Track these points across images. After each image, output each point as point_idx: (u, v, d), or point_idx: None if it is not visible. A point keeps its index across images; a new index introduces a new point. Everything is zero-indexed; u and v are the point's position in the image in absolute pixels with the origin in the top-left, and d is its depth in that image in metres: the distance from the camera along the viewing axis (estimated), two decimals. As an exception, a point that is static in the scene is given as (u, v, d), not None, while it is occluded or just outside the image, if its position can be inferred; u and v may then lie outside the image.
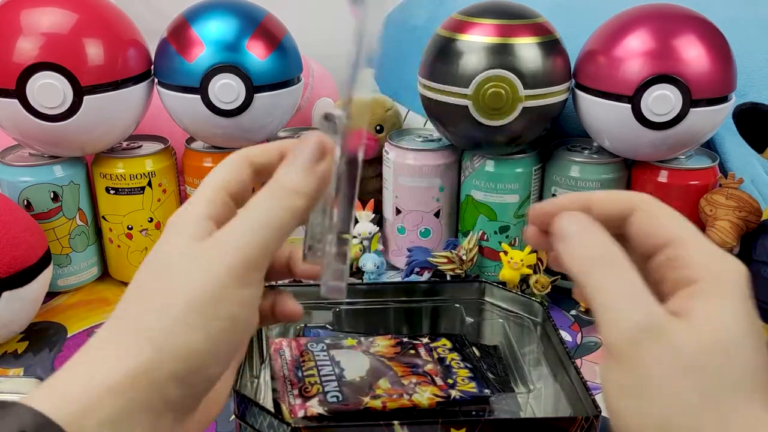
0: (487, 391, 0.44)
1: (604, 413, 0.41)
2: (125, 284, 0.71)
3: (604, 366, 0.27)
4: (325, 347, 0.48)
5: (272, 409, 0.41)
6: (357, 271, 0.73)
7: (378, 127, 0.76)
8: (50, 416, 0.25)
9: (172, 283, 0.29)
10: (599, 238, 0.29)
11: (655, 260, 0.29)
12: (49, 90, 0.60)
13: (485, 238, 0.70)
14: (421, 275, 0.70)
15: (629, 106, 0.61)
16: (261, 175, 0.33)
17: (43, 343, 0.62)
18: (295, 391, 0.43)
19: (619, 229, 0.30)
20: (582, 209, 0.31)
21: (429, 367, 0.46)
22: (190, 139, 0.72)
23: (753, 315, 0.26)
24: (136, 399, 0.26)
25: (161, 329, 0.28)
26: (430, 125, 0.75)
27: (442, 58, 0.64)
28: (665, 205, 0.31)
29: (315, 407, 0.41)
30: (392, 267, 0.75)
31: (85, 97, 0.62)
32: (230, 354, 0.30)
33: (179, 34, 0.65)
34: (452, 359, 0.47)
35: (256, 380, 0.50)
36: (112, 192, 0.68)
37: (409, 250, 0.71)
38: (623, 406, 0.26)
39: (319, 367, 0.45)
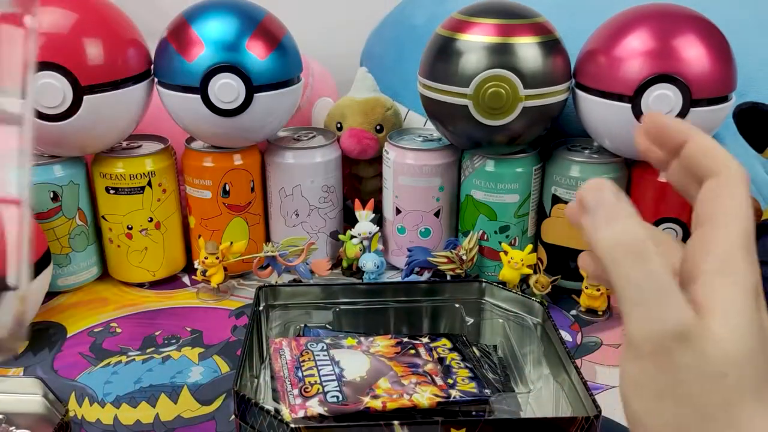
0: (487, 391, 0.44)
1: (604, 413, 0.41)
2: (125, 284, 0.72)
3: (627, 361, 0.27)
4: (325, 347, 0.48)
5: (272, 410, 0.41)
6: (357, 271, 0.73)
7: (378, 127, 0.76)
8: None
9: None
10: (629, 223, 0.27)
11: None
12: (48, 89, 0.60)
13: (485, 237, 0.70)
14: (421, 275, 0.70)
15: (629, 105, 0.61)
16: None
17: (42, 342, 0.62)
18: (295, 391, 0.43)
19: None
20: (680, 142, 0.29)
21: (429, 367, 0.46)
22: (190, 139, 0.72)
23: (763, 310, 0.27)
24: None
25: None
26: (430, 125, 0.75)
27: (443, 57, 0.64)
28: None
29: (315, 407, 0.41)
30: (392, 267, 0.75)
31: (84, 97, 0.61)
32: None
33: (179, 34, 0.65)
34: (452, 359, 0.47)
35: (256, 380, 0.50)
36: (111, 192, 0.68)
37: (409, 250, 0.71)
38: (642, 406, 0.27)
39: (319, 367, 0.45)
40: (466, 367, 0.46)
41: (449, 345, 0.49)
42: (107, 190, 0.68)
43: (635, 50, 0.61)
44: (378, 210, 0.76)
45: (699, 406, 0.26)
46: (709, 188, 0.28)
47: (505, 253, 0.66)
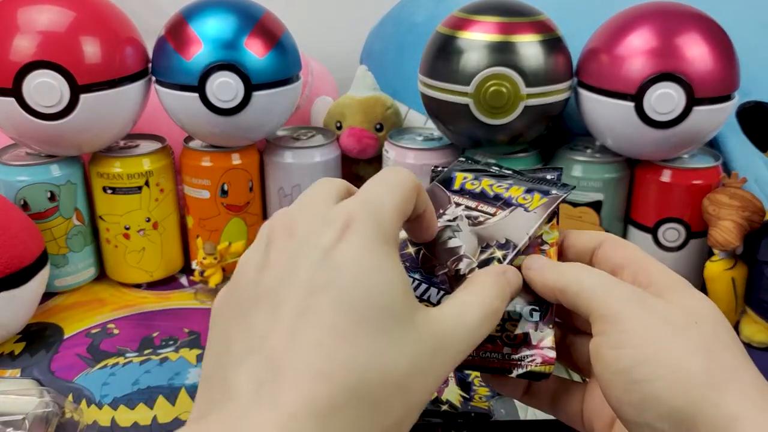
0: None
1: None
2: (122, 285, 0.71)
3: (597, 341, 0.30)
4: None
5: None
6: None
7: (378, 126, 0.76)
8: None
9: None
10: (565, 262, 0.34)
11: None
12: (45, 88, 0.60)
13: (486, 237, 0.69)
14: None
15: (632, 104, 0.60)
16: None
17: (39, 344, 0.62)
18: None
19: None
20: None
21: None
22: (188, 138, 0.72)
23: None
24: None
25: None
26: (430, 124, 0.75)
27: (443, 55, 0.64)
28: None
29: None
30: (392, 267, 0.74)
31: (81, 96, 0.61)
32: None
33: (177, 32, 0.64)
34: (476, 376, 0.47)
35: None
36: (109, 191, 0.67)
37: (409, 250, 0.70)
38: (624, 367, 0.28)
39: None
40: (488, 386, 0.45)
41: None
42: (104, 189, 0.67)
43: (638, 49, 0.60)
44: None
45: (685, 348, 0.29)
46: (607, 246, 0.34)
47: (506, 253, 0.65)
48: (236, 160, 0.69)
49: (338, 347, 0.24)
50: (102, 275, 0.72)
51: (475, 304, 0.28)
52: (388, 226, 0.27)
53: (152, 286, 0.72)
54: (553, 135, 0.70)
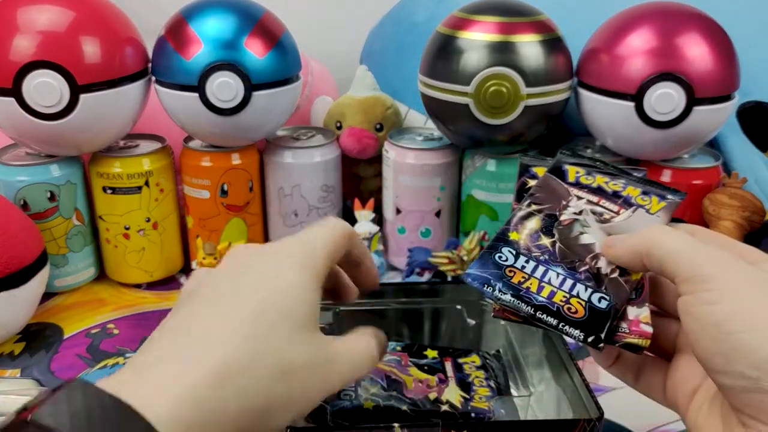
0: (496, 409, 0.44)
1: (606, 415, 0.40)
2: (122, 285, 0.71)
3: (687, 299, 0.31)
4: None
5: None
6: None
7: (378, 126, 0.75)
8: None
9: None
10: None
11: None
12: (45, 88, 0.60)
13: (486, 238, 0.69)
14: (422, 276, 0.70)
15: (632, 104, 0.60)
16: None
17: (39, 344, 0.62)
18: None
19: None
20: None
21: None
22: (188, 138, 0.72)
23: None
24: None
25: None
26: (430, 124, 0.75)
27: (443, 55, 0.64)
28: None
29: None
30: (392, 267, 0.74)
31: (81, 96, 0.61)
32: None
33: (177, 32, 0.64)
34: (476, 377, 0.47)
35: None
36: (109, 191, 0.67)
37: (409, 251, 0.70)
38: (715, 321, 0.30)
39: None
40: (489, 386, 0.45)
41: (478, 362, 0.48)
42: (104, 189, 0.67)
43: (638, 48, 0.60)
44: (378, 210, 0.75)
45: None
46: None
47: (506, 253, 0.65)
48: (236, 160, 0.69)
49: (234, 337, 0.31)
50: (102, 275, 0.72)
51: (361, 353, 0.36)
52: (317, 258, 0.34)
53: (152, 286, 0.72)
54: (553, 135, 0.70)
